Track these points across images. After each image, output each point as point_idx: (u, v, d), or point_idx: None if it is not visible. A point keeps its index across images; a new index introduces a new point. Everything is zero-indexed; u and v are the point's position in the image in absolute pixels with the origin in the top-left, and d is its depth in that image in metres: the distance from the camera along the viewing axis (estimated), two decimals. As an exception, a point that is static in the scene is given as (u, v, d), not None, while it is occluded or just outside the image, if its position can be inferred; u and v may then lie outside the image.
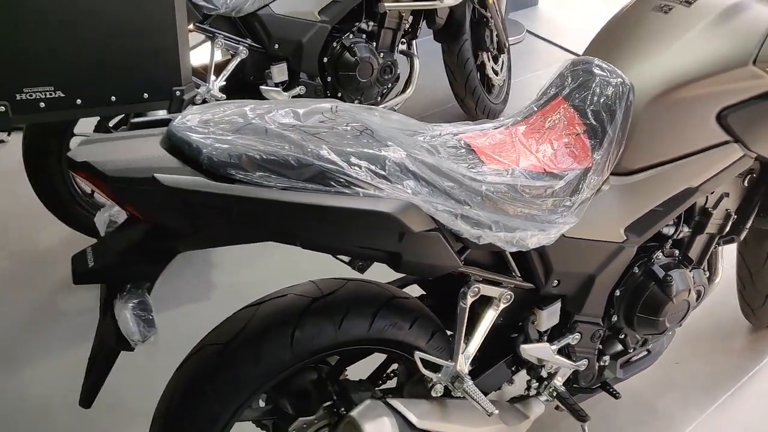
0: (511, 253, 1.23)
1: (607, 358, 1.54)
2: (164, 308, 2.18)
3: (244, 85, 2.36)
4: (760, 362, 2.02)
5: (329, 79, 2.52)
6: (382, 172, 0.95)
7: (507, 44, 3.31)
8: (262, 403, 1.32)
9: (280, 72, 2.38)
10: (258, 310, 1.16)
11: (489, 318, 1.24)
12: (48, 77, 1.47)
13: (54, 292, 2.23)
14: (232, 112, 0.97)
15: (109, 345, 1.00)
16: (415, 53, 2.80)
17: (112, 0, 1.49)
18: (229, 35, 2.23)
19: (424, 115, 3.44)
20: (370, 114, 1.10)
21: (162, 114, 1.94)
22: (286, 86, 2.44)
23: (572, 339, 1.40)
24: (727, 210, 1.48)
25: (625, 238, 1.31)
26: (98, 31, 1.50)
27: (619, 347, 1.55)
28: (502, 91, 3.44)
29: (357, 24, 2.54)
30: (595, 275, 1.33)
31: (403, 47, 2.78)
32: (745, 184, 1.49)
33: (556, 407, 1.53)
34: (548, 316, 1.34)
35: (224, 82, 2.23)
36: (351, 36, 2.51)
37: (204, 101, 2.17)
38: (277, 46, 2.33)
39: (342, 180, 0.92)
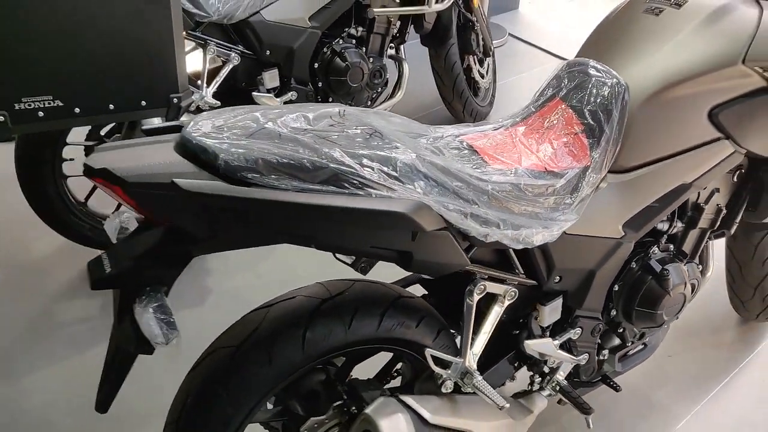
0: (514, 251, 1.26)
1: (606, 352, 1.58)
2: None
3: (235, 91, 2.37)
4: (750, 353, 2.07)
5: (320, 84, 2.54)
6: (394, 173, 0.97)
7: (492, 47, 3.35)
8: (269, 405, 1.34)
9: (271, 78, 2.40)
10: (268, 313, 1.17)
11: (495, 315, 1.27)
12: (46, 87, 1.48)
13: (50, 301, 2.22)
14: (244, 117, 0.99)
15: (126, 349, 1.01)
16: (404, 57, 2.83)
17: (110, 9, 1.50)
18: (220, 42, 2.24)
19: (412, 119, 3.47)
20: (376, 117, 1.12)
21: (154, 120, 1.95)
22: (278, 92, 2.46)
23: (573, 334, 1.44)
24: (717, 205, 1.52)
25: (623, 233, 1.34)
26: (96, 40, 1.50)
27: (617, 341, 1.59)
28: (488, 93, 3.48)
29: (346, 29, 2.56)
30: (595, 271, 1.36)
31: (392, 52, 2.81)
32: (734, 179, 1.54)
33: (559, 401, 1.56)
34: (550, 312, 1.37)
35: (216, 89, 2.24)
36: (341, 41, 2.54)
37: (198, 108, 2.18)
38: (268, 52, 2.34)
39: (355, 182, 0.94)
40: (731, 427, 1.86)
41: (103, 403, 1.06)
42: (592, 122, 1.25)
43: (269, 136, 0.94)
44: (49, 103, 1.49)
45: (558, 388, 1.49)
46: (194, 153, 0.92)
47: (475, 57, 3.27)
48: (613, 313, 1.49)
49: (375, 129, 1.04)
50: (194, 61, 2.21)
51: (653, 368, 2.02)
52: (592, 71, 1.28)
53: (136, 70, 1.59)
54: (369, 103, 2.74)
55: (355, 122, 1.06)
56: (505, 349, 1.46)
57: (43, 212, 2.14)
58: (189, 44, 2.20)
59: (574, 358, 1.46)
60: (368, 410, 1.13)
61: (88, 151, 2.23)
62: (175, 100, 1.70)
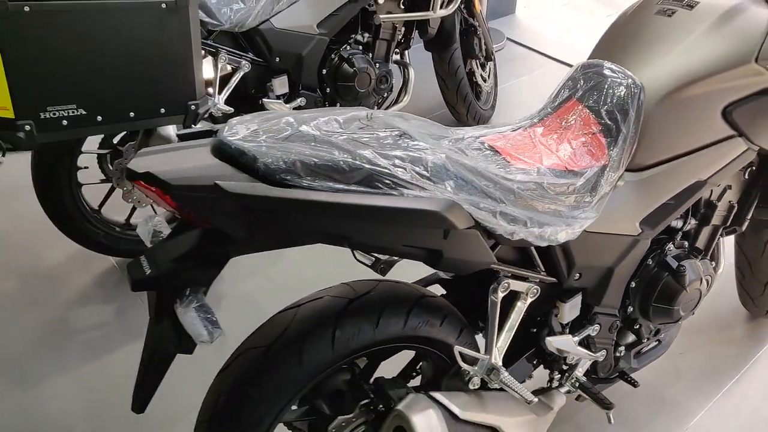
0: (535, 249, 1.29)
1: (622, 348, 1.60)
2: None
3: (245, 98, 2.40)
4: (761, 349, 2.10)
5: (328, 90, 2.57)
6: (426, 173, 1.00)
7: (493, 51, 3.39)
8: (294, 406, 1.36)
9: (281, 84, 2.43)
10: (297, 313, 1.20)
11: (518, 311, 1.29)
12: (70, 96, 1.51)
13: (65, 308, 2.24)
14: (277, 121, 1.01)
15: (165, 349, 1.03)
16: (409, 62, 2.87)
17: (132, 20, 1.53)
18: (231, 50, 2.27)
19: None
20: (400, 119, 1.15)
21: (169, 128, 1.98)
22: (287, 98, 2.48)
23: (592, 330, 1.46)
24: (729, 202, 1.56)
25: (640, 231, 1.37)
26: (118, 50, 1.53)
27: (633, 338, 1.61)
28: (490, 97, 3.51)
29: (353, 36, 2.60)
30: (614, 268, 1.39)
31: (397, 57, 2.85)
32: (746, 176, 1.57)
33: (577, 398, 1.59)
34: (570, 309, 1.40)
35: (227, 96, 2.27)
36: (348, 47, 2.57)
37: (211, 115, 2.21)
38: (278, 59, 2.37)
39: (388, 182, 0.97)
40: (745, 422, 1.88)
41: (141, 404, 1.08)
42: (609, 122, 1.28)
43: (304, 139, 0.97)
44: (73, 112, 1.52)
45: (578, 384, 1.51)
46: (232, 156, 0.95)
47: (478, 61, 3.31)
48: (630, 309, 1.52)
49: (403, 131, 1.07)
50: (205, 68, 2.23)
51: (665, 365, 2.04)
52: (607, 72, 1.31)
53: (156, 78, 1.62)
54: (375, 108, 2.77)
55: (382, 124, 1.08)
56: (524, 347, 1.48)
57: (58, 220, 2.16)
58: (200, 52, 2.23)
59: (593, 354, 1.49)
60: (400, 406, 1.15)
61: (101, 159, 2.25)
62: (193, 107, 1.73)
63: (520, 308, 1.30)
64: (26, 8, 1.37)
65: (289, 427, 1.39)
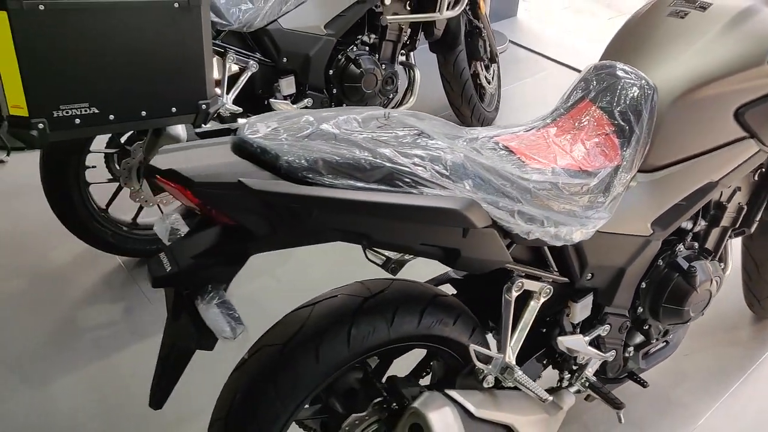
0: (549, 249, 1.29)
1: (631, 349, 1.61)
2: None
3: (252, 98, 2.41)
4: (767, 350, 2.11)
5: (334, 90, 2.58)
6: (445, 172, 1.00)
7: (497, 53, 3.40)
8: (306, 404, 1.36)
9: (288, 85, 2.43)
10: (312, 311, 1.20)
11: (531, 311, 1.30)
12: (83, 94, 1.51)
13: (73, 307, 2.24)
14: (297, 119, 1.02)
15: (184, 346, 1.03)
16: (414, 64, 2.88)
17: (144, 19, 1.53)
18: (239, 50, 2.28)
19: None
20: (416, 119, 1.15)
21: (178, 128, 1.98)
22: (294, 99, 2.49)
23: (602, 330, 1.47)
24: (739, 203, 1.57)
25: (652, 231, 1.38)
26: (131, 49, 1.54)
27: (641, 338, 1.62)
28: (494, 99, 3.52)
29: (360, 37, 2.61)
30: (625, 268, 1.40)
31: (402, 58, 2.86)
32: (755, 178, 1.58)
33: (586, 398, 1.60)
34: (582, 309, 1.41)
35: (234, 96, 2.28)
36: (355, 48, 2.58)
37: (219, 115, 2.21)
38: (285, 59, 2.38)
39: (408, 180, 0.97)
40: (751, 422, 1.89)
41: (159, 400, 1.09)
42: (622, 123, 1.29)
43: (325, 138, 0.98)
44: (86, 111, 1.52)
45: (587, 384, 1.52)
46: (253, 154, 0.95)
47: (482, 63, 3.32)
48: (640, 310, 1.53)
49: (421, 130, 1.07)
50: (214, 68, 2.24)
51: (671, 366, 2.05)
52: (620, 73, 1.32)
53: (168, 77, 1.63)
54: (380, 109, 2.77)
55: (400, 123, 1.09)
56: (534, 347, 1.49)
57: (66, 219, 2.16)
58: (208, 52, 2.23)
59: (603, 354, 1.49)
60: (416, 404, 1.16)
61: (108, 158, 2.25)
62: (204, 107, 1.73)
63: (534, 307, 1.31)
64: (41, 6, 1.38)
65: (301, 425, 1.39)
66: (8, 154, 3.03)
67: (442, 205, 0.97)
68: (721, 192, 1.51)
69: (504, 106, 3.67)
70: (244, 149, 0.97)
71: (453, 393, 1.19)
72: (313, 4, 2.42)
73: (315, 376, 1.16)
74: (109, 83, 1.54)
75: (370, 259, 1.54)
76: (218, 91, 2.22)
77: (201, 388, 1.87)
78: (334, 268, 2.44)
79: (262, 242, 0.97)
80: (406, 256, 1.51)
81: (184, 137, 2.00)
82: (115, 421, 1.86)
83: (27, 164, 2.99)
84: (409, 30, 2.78)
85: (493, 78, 3.47)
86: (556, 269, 1.33)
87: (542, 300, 1.31)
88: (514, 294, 1.25)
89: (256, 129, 0.99)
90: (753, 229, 1.63)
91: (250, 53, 2.32)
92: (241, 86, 2.28)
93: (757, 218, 1.62)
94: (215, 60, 2.26)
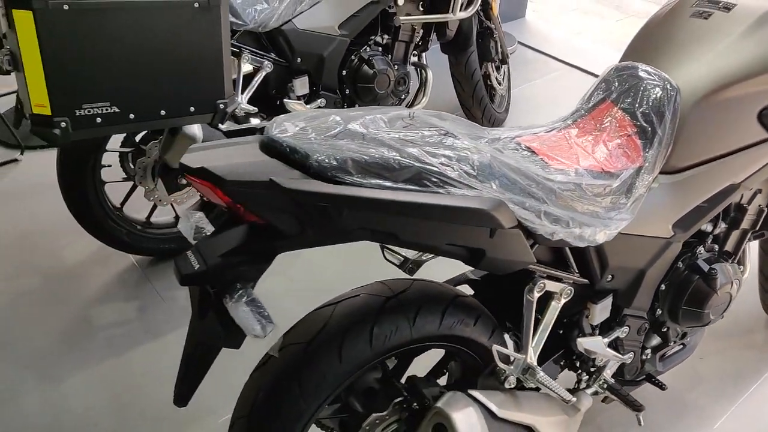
0: (570, 250, 1.29)
1: (648, 351, 1.61)
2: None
3: (266, 98, 2.41)
4: (782, 353, 2.11)
5: (347, 91, 2.58)
6: (473, 172, 1.01)
7: (508, 54, 3.40)
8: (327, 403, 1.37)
9: (302, 85, 2.44)
10: (335, 310, 1.20)
11: (552, 312, 1.30)
12: (105, 93, 1.52)
13: (87, 305, 2.24)
14: (324, 119, 1.02)
15: (210, 344, 1.03)
16: (427, 65, 2.88)
17: (165, 19, 1.54)
18: (254, 50, 2.28)
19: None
20: (439, 119, 1.16)
21: (194, 127, 1.99)
22: (307, 99, 2.49)
23: (621, 332, 1.47)
24: (759, 206, 1.56)
25: (673, 233, 1.38)
26: (152, 49, 1.55)
27: (659, 341, 1.62)
28: (504, 100, 3.52)
29: (373, 37, 2.61)
30: (645, 270, 1.40)
31: (414, 59, 2.86)
32: None
33: (603, 399, 1.59)
34: (601, 311, 1.40)
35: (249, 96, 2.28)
36: (368, 49, 2.58)
37: (234, 115, 2.21)
38: (299, 59, 2.38)
39: (436, 180, 0.98)
40: None
41: (183, 398, 1.09)
42: (644, 124, 1.29)
43: (353, 137, 0.98)
44: (107, 110, 1.53)
45: (606, 386, 1.52)
46: (282, 153, 0.96)
47: (493, 64, 3.32)
48: (659, 312, 1.52)
49: (447, 130, 1.07)
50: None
51: (686, 369, 2.05)
52: (643, 74, 1.32)
53: (187, 77, 1.64)
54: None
55: (424, 123, 1.09)
56: (552, 349, 1.49)
57: (82, 217, 2.17)
58: (223, 52, 2.24)
59: (621, 356, 1.49)
60: (440, 404, 1.16)
61: (123, 157, 2.26)
62: (222, 106, 1.74)
63: (555, 308, 1.31)
64: (65, 6, 1.39)
65: (318, 424, 1.39)
66: (22, 153, 3.05)
67: (471, 205, 0.97)
68: (742, 194, 1.50)
69: (514, 108, 3.67)
70: (272, 148, 0.98)
71: (476, 393, 1.19)
72: (328, 5, 2.42)
73: (338, 375, 1.16)
74: (129, 82, 1.55)
75: (388, 259, 1.54)
76: (237, 90, 2.22)
77: (213, 386, 1.87)
78: (346, 268, 2.45)
79: (291, 241, 0.97)
80: (424, 257, 1.52)
81: (200, 137, 2.01)
82: (129, 420, 1.87)
83: (40, 163, 3.01)
84: (421, 31, 2.79)
85: (503, 79, 3.47)
86: (577, 270, 1.33)
87: (563, 301, 1.31)
88: (536, 295, 1.25)
89: (285, 128, 1.00)
90: (772, 232, 1.63)
91: (264, 53, 2.32)
92: (255, 86, 2.29)
93: (777, 221, 1.62)
94: (231, 60, 2.27)
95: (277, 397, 1.15)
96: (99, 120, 1.52)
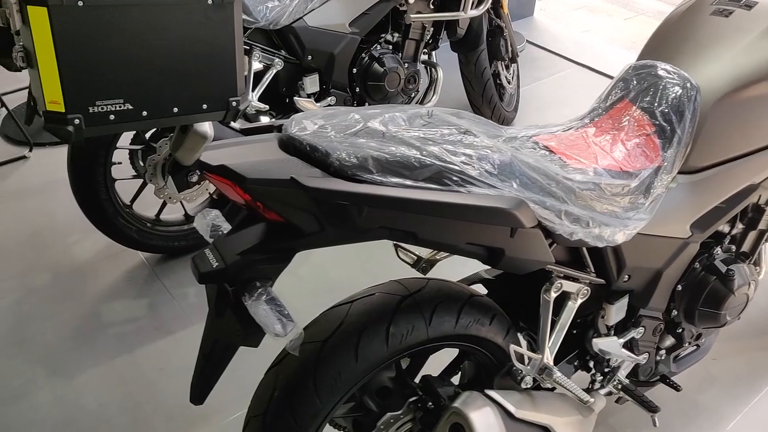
0: (587, 250, 1.28)
1: (663, 352, 1.60)
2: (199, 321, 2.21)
3: (275, 96, 2.40)
4: (795, 355, 2.10)
5: (357, 89, 2.58)
6: (494, 171, 1.00)
7: (518, 53, 3.39)
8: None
9: (312, 83, 2.43)
10: (350, 309, 1.20)
11: (569, 312, 1.29)
12: (118, 90, 1.51)
13: (95, 303, 2.24)
14: (343, 117, 1.02)
15: (228, 342, 1.03)
16: (437, 63, 2.87)
17: (178, 16, 1.53)
18: (265, 48, 2.27)
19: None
20: (457, 117, 1.15)
21: (205, 124, 1.98)
22: (317, 97, 2.49)
23: (636, 333, 1.46)
24: (776, 207, 1.55)
25: (691, 234, 1.37)
26: (165, 46, 1.54)
27: (673, 341, 1.61)
28: (513, 99, 3.51)
29: (383, 35, 2.60)
30: (662, 270, 1.39)
31: (425, 57, 2.85)
32: None
33: (617, 400, 1.58)
34: (617, 311, 1.39)
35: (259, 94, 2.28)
36: (378, 47, 2.57)
37: (244, 113, 2.21)
38: (310, 57, 2.37)
39: (456, 179, 0.97)
40: (781, 427, 1.88)
41: (200, 396, 1.08)
42: (663, 123, 1.27)
43: (373, 135, 0.97)
44: (120, 107, 1.52)
45: (621, 387, 1.51)
46: (302, 151, 0.95)
47: (503, 63, 3.31)
48: (674, 313, 1.51)
49: (466, 128, 1.06)
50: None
51: (698, 371, 2.03)
52: (662, 73, 1.31)
53: (200, 74, 1.62)
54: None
55: (443, 122, 1.08)
56: (566, 349, 1.48)
57: (92, 215, 2.17)
58: (234, 49, 2.23)
59: (636, 357, 1.48)
60: (458, 404, 1.15)
61: (133, 155, 2.26)
62: (234, 104, 1.73)
63: (571, 308, 1.30)
64: (80, 2, 1.38)
65: (331, 423, 1.39)
66: (30, 150, 3.05)
67: (494, 204, 0.96)
68: (760, 195, 1.49)
69: (523, 107, 3.66)
70: (291, 146, 0.97)
71: (493, 393, 1.19)
72: (339, 2, 2.41)
73: (354, 374, 1.16)
74: (143, 79, 1.54)
75: (401, 258, 1.54)
76: (248, 87, 2.22)
77: (225, 383, 1.87)
78: (355, 266, 2.44)
79: (310, 239, 0.96)
80: (438, 256, 1.51)
81: (211, 134, 2.00)
82: (143, 416, 1.87)
83: (49, 160, 3.01)
84: (432, 29, 2.78)
85: (512, 78, 3.46)
86: (593, 270, 1.32)
87: (579, 301, 1.30)
88: (553, 295, 1.24)
89: (304, 126, 0.99)
90: (789, 233, 1.62)
91: (275, 51, 2.31)
92: (266, 84, 2.28)
93: (794, 222, 1.60)
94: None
95: (292, 396, 1.14)
96: (112, 117, 1.51)
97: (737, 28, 1.33)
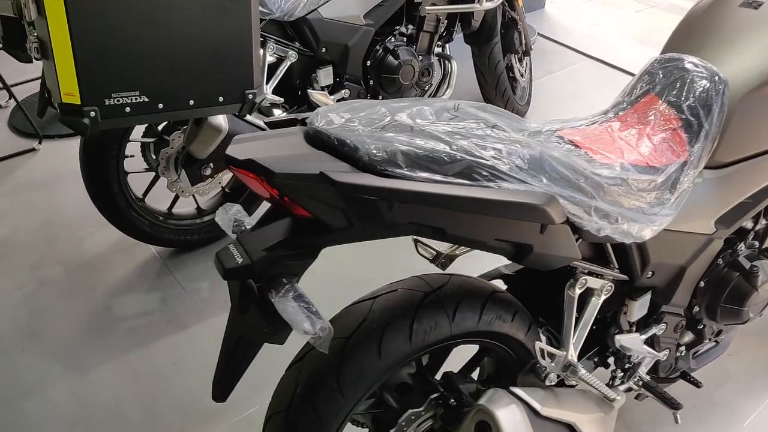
0: (611, 246, 1.27)
1: (683, 348, 1.58)
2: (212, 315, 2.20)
3: (289, 88, 2.39)
4: (813, 352, 2.08)
5: (371, 82, 2.55)
6: (524, 166, 0.98)
7: (531, 46, 3.36)
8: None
9: (326, 75, 2.41)
10: (373, 305, 1.18)
11: (593, 308, 1.28)
12: (134, 83, 1.50)
13: (107, 297, 2.24)
14: (370, 110, 1.00)
15: (252, 339, 1.02)
16: (451, 56, 2.84)
17: (195, 8, 1.51)
18: (279, 39, 2.25)
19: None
20: (483, 110, 1.13)
21: (219, 117, 1.97)
22: (331, 89, 2.47)
23: (658, 329, 1.44)
24: (799, 202, 1.53)
25: (715, 230, 1.35)
26: (181, 38, 1.52)
27: (693, 337, 1.59)
28: (525, 92, 3.48)
29: (397, 28, 2.58)
30: (686, 266, 1.37)
31: (439, 50, 2.82)
32: None
33: (636, 397, 1.57)
34: (639, 307, 1.38)
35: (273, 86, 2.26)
36: (393, 39, 2.55)
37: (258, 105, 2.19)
38: (324, 49, 2.35)
39: (486, 174, 0.95)
40: (799, 424, 1.86)
41: (223, 393, 1.07)
42: (690, 117, 1.25)
43: (402, 130, 0.95)
44: (136, 99, 1.51)
45: (641, 383, 1.50)
46: (329, 145, 0.93)
47: (516, 55, 3.28)
48: (696, 309, 1.49)
49: (494, 123, 1.05)
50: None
51: (714, 367, 2.01)
52: (689, 66, 1.28)
53: (216, 66, 1.61)
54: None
55: (470, 115, 1.07)
56: (587, 345, 1.46)
57: (105, 208, 2.16)
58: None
59: (657, 353, 1.47)
60: (483, 401, 1.14)
61: (145, 148, 2.24)
62: (250, 96, 1.71)
63: (595, 305, 1.28)
64: (97, -7, 1.37)
65: (351, 420, 1.37)
66: (40, 142, 3.04)
67: (526, 200, 0.95)
68: (782, 191, 1.47)
69: (535, 100, 3.63)
70: (317, 140, 0.95)
71: (518, 390, 1.17)
72: (353, -6, 2.39)
73: (377, 371, 1.14)
74: (159, 71, 1.52)
75: (421, 254, 1.52)
76: (262, 80, 2.20)
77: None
78: (368, 262, 2.42)
79: (337, 235, 0.95)
80: (458, 251, 1.49)
81: (226, 127, 1.98)
82: (158, 410, 1.86)
83: (58, 152, 3.00)
84: (446, 21, 2.75)
85: (525, 71, 3.43)
86: (617, 266, 1.30)
87: (603, 297, 1.28)
88: (578, 291, 1.22)
89: (330, 119, 0.97)
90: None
91: (289, 43, 2.29)
92: (280, 76, 2.26)
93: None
94: (255, 49, 2.24)
95: (314, 393, 1.13)
96: (128, 109, 1.50)
97: (766, 20, 1.31)
